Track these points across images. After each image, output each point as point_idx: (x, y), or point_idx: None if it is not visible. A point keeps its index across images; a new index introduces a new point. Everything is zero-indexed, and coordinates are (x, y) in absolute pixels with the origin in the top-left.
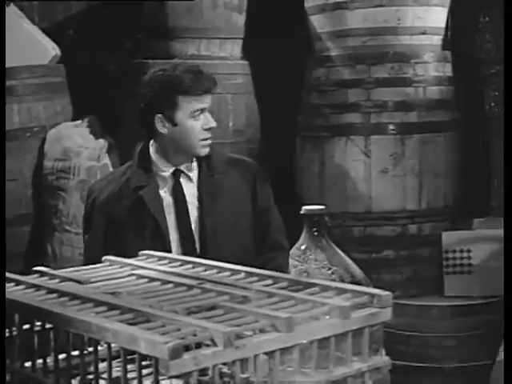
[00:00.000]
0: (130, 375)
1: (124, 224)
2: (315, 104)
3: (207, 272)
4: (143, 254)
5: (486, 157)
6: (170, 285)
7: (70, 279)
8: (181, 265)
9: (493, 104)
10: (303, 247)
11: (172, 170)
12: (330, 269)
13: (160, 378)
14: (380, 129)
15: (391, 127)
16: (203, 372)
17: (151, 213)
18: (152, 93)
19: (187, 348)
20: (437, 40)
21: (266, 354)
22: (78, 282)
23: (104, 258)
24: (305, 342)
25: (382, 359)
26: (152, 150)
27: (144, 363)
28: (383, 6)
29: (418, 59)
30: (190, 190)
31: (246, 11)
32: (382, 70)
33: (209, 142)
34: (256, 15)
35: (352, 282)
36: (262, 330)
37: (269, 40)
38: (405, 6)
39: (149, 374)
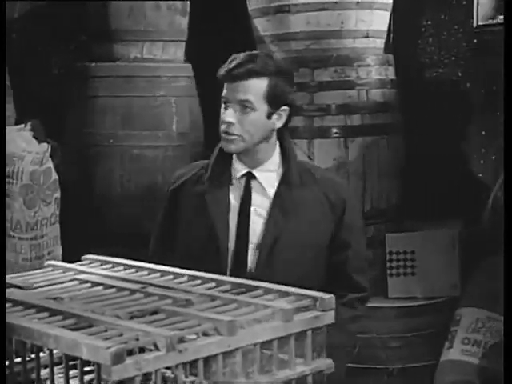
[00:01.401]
0: (72, 382)
1: (185, 218)
2: None
3: (150, 276)
4: (86, 259)
5: (429, 158)
6: (113, 289)
7: (13, 285)
8: (124, 269)
9: None
10: None
11: (244, 171)
12: None
13: (102, 383)
14: (323, 132)
15: (334, 130)
16: (148, 377)
17: (210, 216)
18: None
19: (131, 353)
20: (379, 43)
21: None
22: (21, 287)
23: (47, 262)
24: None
25: (325, 362)
26: None
27: (87, 369)
28: (326, 9)
29: (360, 62)
30: (262, 201)
31: (189, 14)
32: (325, 73)
33: (228, 137)
34: (199, 18)
35: None
36: (205, 334)
37: (212, 43)
38: (348, 10)
39: (92, 380)
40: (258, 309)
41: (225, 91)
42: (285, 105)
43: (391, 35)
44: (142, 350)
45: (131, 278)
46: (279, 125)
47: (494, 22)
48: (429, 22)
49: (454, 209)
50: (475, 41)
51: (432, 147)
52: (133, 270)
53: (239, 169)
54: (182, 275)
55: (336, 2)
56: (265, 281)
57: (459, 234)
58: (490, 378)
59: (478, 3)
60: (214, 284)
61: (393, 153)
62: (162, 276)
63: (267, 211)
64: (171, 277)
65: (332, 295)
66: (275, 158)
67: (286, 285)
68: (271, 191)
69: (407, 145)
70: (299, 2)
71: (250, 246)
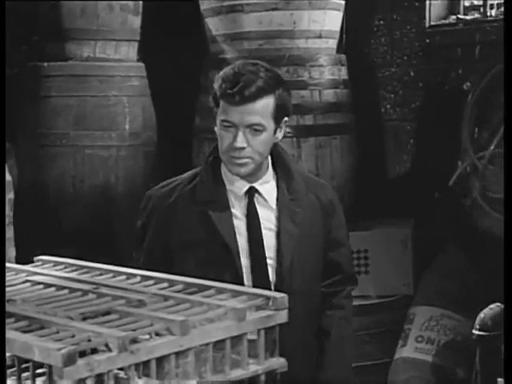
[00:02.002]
0: None
1: (187, 244)
2: (211, 106)
3: (103, 276)
4: (39, 260)
5: (382, 158)
6: (65, 290)
7: None
8: (77, 270)
9: (388, 106)
10: None
11: (247, 187)
12: None
13: None
14: None
15: (287, 130)
16: (101, 378)
17: (220, 234)
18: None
19: (84, 354)
20: (332, 43)
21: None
22: None
23: None
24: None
25: (278, 361)
26: None
27: (39, 371)
28: (278, 9)
29: (313, 62)
30: (267, 214)
31: (141, 13)
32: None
33: (241, 161)
34: (152, 17)
35: None
36: (157, 334)
37: (165, 42)
38: (300, 10)
39: (44, 382)
40: (211, 308)
41: (230, 115)
42: (286, 116)
43: (344, 35)
44: (95, 351)
45: (84, 278)
46: (281, 137)
47: (447, 22)
48: (381, 22)
49: (406, 208)
50: (427, 41)
51: (384, 147)
52: (85, 270)
53: (240, 185)
54: (135, 275)
55: (288, 2)
56: (289, 293)
57: (412, 232)
58: (443, 376)
59: (430, 3)
60: (166, 284)
61: (346, 152)
62: (114, 276)
63: (275, 224)
64: (124, 277)
65: (285, 294)
66: (270, 168)
67: (307, 293)
68: (273, 203)
69: (359, 144)
70: (251, 2)
71: (269, 261)
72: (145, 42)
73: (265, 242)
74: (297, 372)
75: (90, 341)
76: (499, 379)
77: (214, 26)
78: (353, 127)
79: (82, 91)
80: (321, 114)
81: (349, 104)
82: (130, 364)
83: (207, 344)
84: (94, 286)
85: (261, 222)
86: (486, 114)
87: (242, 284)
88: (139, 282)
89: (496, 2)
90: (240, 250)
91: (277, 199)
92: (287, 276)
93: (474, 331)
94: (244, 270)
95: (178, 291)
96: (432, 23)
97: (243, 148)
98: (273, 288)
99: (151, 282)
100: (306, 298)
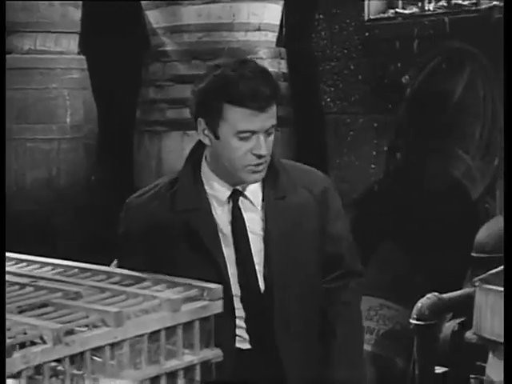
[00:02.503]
0: None
1: (168, 256)
2: (152, 99)
3: (41, 269)
4: None
5: (322, 150)
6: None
7: None
8: (15, 263)
9: (328, 99)
10: None
11: (230, 191)
12: None
13: None
14: None
15: None
16: (39, 370)
17: (204, 243)
18: (197, 91)
19: (22, 346)
20: (271, 36)
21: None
22: None
23: None
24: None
25: (213, 351)
26: (204, 162)
27: None
28: (217, 2)
29: (252, 55)
30: (253, 217)
31: (82, 6)
32: None
33: (259, 168)
34: (92, 10)
35: None
36: (93, 326)
37: (106, 35)
38: (239, 3)
39: None
40: (146, 299)
41: (251, 123)
42: None
43: (284, 29)
44: (34, 343)
45: (22, 272)
46: None
47: (385, 16)
48: (321, 16)
49: (345, 197)
50: (366, 34)
51: (324, 139)
52: (24, 264)
53: (223, 190)
54: (73, 268)
55: None
56: (281, 299)
57: (350, 223)
58: (382, 365)
59: None
60: (104, 276)
61: (285, 145)
62: (53, 269)
63: (262, 227)
64: (62, 270)
65: (219, 285)
66: None
67: (306, 294)
68: (259, 204)
69: (299, 137)
70: None
71: (258, 267)
72: (86, 34)
73: (252, 248)
74: (300, 374)
75: (25, 333)
76: (437, 367)
77: (154, 18)
78: (292, 120)
79: (24, 84)
80: None
81: (288, 97)
82: (64, 356)
83: (142, 335)
84: (32, 280)
85: (247, 227)
86: (423, 106)
87: (231, 293)
88: (77, 275)
89: None
90: (227, 259)
91: (262, 200)
92: (278, 283)
93: (411, 320)
94: (232, 280)
95: (115, 283)
96: (371, 17)
97: (266, 155)
98: (262, 294)
99: (89, 273)
100: (306, 299)
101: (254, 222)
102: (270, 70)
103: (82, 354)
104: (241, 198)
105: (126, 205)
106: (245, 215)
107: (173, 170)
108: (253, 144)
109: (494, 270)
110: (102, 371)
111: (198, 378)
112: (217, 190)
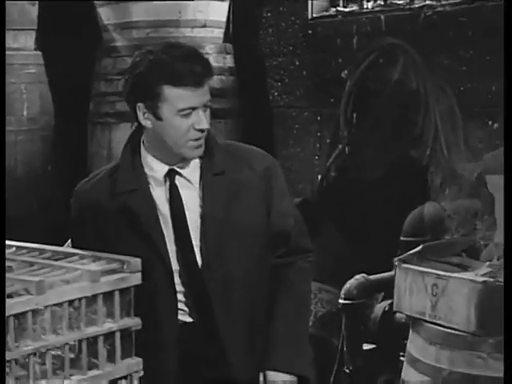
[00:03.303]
0: None
1: (113, 237)
2: (103, 92)
3: None
4: None
5: (269, 142)
6: None
7: None
8: None
9: (276, 94)
10: None
11: (166, 170)
12: None
13: None
14: None
15: None
16: None
17: (142, 222)
18: (133, 77)
19: None
20: (217, 33)
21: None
22: None
23: None
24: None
25: (133, 320)
26: (142, 146)
27: None
28: None
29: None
30: (190, 194)
31: (38, 3)
32: None
33: (200, 142)
34: (48, 7)
35: None
36: (19, 294)
37: (61, 31)
38: (185, 1)
39: None
40: (69, 271)
41: (190, 100)
42: None
43: (231, 25)
44: None
45: None
46: None
47: (327, 14)
48: (269, 14)
49: (291, 187)
50: (310, 32)
51: (272, 132)
52: None
53: (159, 169)
54: (11, 246)
55: None
56: (219, 273)
57: None
58: (320, 346)
59: None
60: (37, 253)
61: (230, 136)
62: None
63: (199, 204)
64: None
65: (138, 259)
66: None
67: (248, 271)
68: (197, 182)
69: (244, 129)
70: None
71: (196, 243)
72: (42, 31)
73: (190, 225)
74: (245, 355)
75: None
76: (365, 345)
77: (106, 15)
78: (237, 112)
79: None
80: None
81: (234, 90)
82: None
83: (62, 303)
84: None
85: (184, 205)
86: (362, 100)
87: (171, 269)
88: (13, 252)
89: None
90: (166, 237)
91: (200, 178)
92: (215, 258)
93: (339, 300)
94: (171, 256)
95: (46, 258)
96: (314, 15)
97: (205, 128)
98: (200, 269)
99: (24, 251)
100: (248, 275)
101: (191, 199)
102: (216, 64)
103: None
104: (177, 177)
105: (75, 191)
106: (182, 193)
107: None
108: (194, 120)
109: (412, 251)
110: (25, 336)
111: (118, 344)
112: (154, 171)
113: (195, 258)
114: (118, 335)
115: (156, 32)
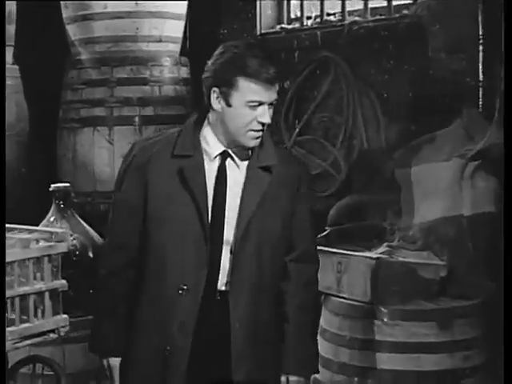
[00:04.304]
0: None
1: (159, 192)
2: (70, 100)
3: None
4: None
5: None
6: None
7: None
8: None
9: None
10: (52, 218)
11: (221, 149)
12: (71, 235)
13: None
14: (122, 120)
15: (132, 119)
16: None
17: (190, 188)
18: (215, 65)
19: None
20: (173, 47)
21: None
22: None
23: None
24: None
25: (60, 282)
26: (206, 123)
27: None
28: (123, 17)
29: (154, 62)
30: (235, 178)
31: (15, 22)
32: (122, 71)
33: (258, 134)
34: (24, 26)
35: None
36: None
37: (35, 47)
38: (142, 18)
39: None
40: (8, 240)
41: (261, 94)
42: None
43: (188, 41)
44: None
45: None
46: None
47: (273, 30)
48: (225, 31)
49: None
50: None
51: None
52: None
53: (215, 148)
54: None
55: (131, 12)
56: (244, 253)
57: None
58: None
59: (260, 15)
60: None
61: None
62: None
63: (242, 188)
64: None
65: (66, 230)
66: None
67: (265, 258)
68: (244, 168)
69: None
70: (100, 11)
71: (230, 221)
72: (19, 46)
73: (228, 204)
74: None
75: None
76: None
77: (72, 32)
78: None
79: None
80: (161, 106)
81: (188, 98)
82: None
83: None
84: None
85: (228, 184)
86: (301, 106)
87: (206, 238)
88: None
89: (314, 14)
90: (207, 205)
91: (247, 167)
92: (244, 236)
93: None
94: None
95: None
96: (262, 31)
97: (267, 124)
98: (232, 245)
99: None
100: (265, 263)
101: (235, 183)
102: (170, 75)
103: None
104: (228, 159)
105: (133, 147)
106: (228, 174)
107: (85, 161)
108: (259, 113)
109: (321, 234)
110: None
111: (47, 302)
112: (210, 147)
113: (223, 232)
114: (47, 295)
115: (116, 46)
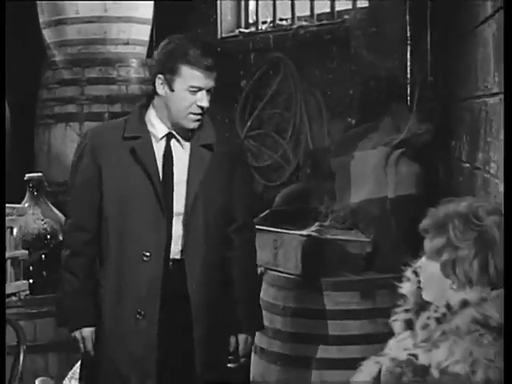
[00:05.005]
0: None
1: (114, 172)
2: (45, 98)
3: None
4: None
5: None
6: None
7: None
8: None
9: None
10: (26, 204)
11: (165, 131)
12: (43, 220)
13: None
14: (92, 116)
15: (101, 115)
16: None
17: (143, 163)
18: (160, 54)
19: None
20: (140, 49)
21: None
22: None
23: None
24: None
25: (21, 252)
26: (151, 107)
27: None
28: (93, 22)
29: (121, 63)
30: (181, 156)
31: None
32: (92, 71)
33: (198, 117)
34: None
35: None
36: None
37: (17, 50)
38: (110, 23)
39: None
40: None
41: (200, 80)
42: None
43: (154, 43)
44: None
45: None
46: None
47: (233, 34)
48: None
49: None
50: (219, 49)
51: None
52: None
53: (160, 129)
54: None
55: (100, 17)
56: (194, 224)
57: None
58: None
59: (221, 20)
60: None
61: None
62: None
63: (187, 164)
64: None
65: (25, 206)
66: None
67: (212, 225)
68: (187, 147)
69: None
70: (72, 17)
71: (175, 194)
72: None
73: (175, 179)
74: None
75: None
76: None
77: (48, 35)
78: None
79: None
80: (127, 103)
81: None
82: None
83: None
84: None
85: (174, 162)
86: (255, 103)
87: (162, 209)
88: None
89: (269, 19)
90: (160, 180)
91: (190, 144)
92: (193, 208)
93: None
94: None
95: None
96: (223, 35)
97: (205, 107)
98: (183, 210)
99: None
100: (213, 233)
101: (182, 160)
102: (137, 75)
103: None
104: (173, 140)
105: (87, 134)
106: (174, 154)
107: (58, 154)
108: (198, 97)
109: (261, 214)
110: None
111: (9, 269)
112: (156, 129)
113: (173, 201)
114: (9, 262)
115: (86, 48)
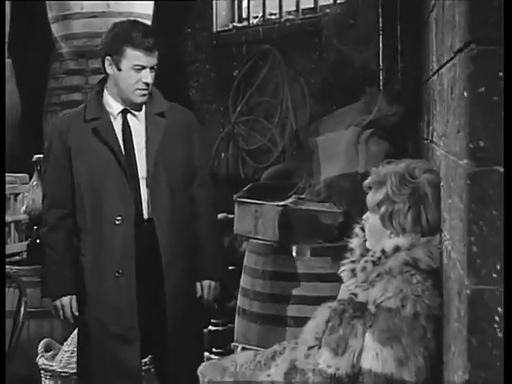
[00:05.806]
0: None
1: (81, 151)
2: (52, 87)
3: None
4: None
5: None
6: None
7: None
8: None
9: (194, 91)
10: (34, 183)
11: (120, 108)
12: None
13: None
14: None
15: None
16: None
17: (105, 139)
18: (106, 37)
19: None
20: None
21: None
22: None
23: None
24: None
25: (23, 216)
26: (105, 88)
27: None
28: (97, 17)
29: None
30: (138, 127)
31: (10, 21)
32: (96, 62)
33: (144, 92)
34: (18, 24)
35: None
36: None
37: (25, 43)
38: (113, 17)
39: None
40: None
41: (143, 60)
42: None
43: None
44: None
45: None
46: None
47: (227, 28)
48: (189, 30)
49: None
50: (215, 42)
51: None
52: None
53: (116, 107)
54: None
55: (103, 12)
56: (157, 186)
57: None
58: None
59: (216, 15)
60: None
61: None
62: None
63: (144, 134)
64: None
65: (26, 175)
66: None
67: (172, 187)
68: (143, 118)
69: None
70: (78, 11)
71: (138, 161)
72: (12, 42)
73: (136, 148)
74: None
75: None
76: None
77: (55, 29)
78: None
79: None
80: None
81: (152, 85)
82: None
83: None
84: None
85: (132, 133)
86: (246, 91)
87: (126, 176)
88: None
89: (260, 14)
90: (121, 151)
91: (145, 115)
92: (155, 171)
93: None
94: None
95: None
96: (218, 29)
97: (150, 83)
98: (147, 180)
99: None
100: (176, 192)
101: (139, 130)
102: None
103: None
104: (129, 115)
105: (54, 123)
106: (132, 126)
107: None
108: (142, 75)
109: (244, 188)
110: None
111: (13, 232)
112: (112, 108)
113: (137, 170)
114: (13, 225)
115: (90, 41)
